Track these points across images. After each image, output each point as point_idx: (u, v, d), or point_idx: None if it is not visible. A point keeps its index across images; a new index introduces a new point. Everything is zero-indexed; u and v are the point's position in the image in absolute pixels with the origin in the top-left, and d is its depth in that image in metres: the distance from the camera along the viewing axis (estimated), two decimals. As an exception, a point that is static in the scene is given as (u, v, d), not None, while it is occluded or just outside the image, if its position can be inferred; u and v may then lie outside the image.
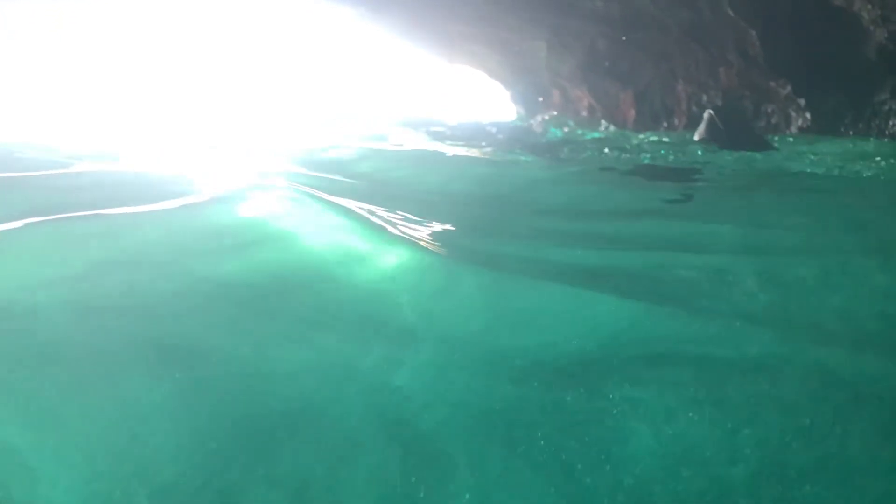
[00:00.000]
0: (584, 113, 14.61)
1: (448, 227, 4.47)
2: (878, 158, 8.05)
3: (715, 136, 9.58)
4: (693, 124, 11.61)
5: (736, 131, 9.59)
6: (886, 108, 9.80)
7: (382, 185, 5.98)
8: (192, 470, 1.83)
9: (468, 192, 6.21)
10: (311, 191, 4.92)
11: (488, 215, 5.19)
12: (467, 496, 1.79)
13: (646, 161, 9.01)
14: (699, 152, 9.17)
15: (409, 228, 4.19)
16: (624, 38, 12.73)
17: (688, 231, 4.86)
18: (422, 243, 3.78)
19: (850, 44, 9.73)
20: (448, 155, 8.90)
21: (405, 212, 4.79)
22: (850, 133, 10.13)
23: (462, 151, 9.59)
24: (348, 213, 4.32)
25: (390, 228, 3.98)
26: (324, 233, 3.75)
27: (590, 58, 13.74)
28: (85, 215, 3.76)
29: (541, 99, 15.48)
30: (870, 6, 9.26)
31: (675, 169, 8.43)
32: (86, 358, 2.29)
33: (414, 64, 18.79)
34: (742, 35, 11.01)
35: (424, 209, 4.94)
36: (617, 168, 8.34)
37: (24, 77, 16.34)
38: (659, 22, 12.07)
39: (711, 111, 9.88)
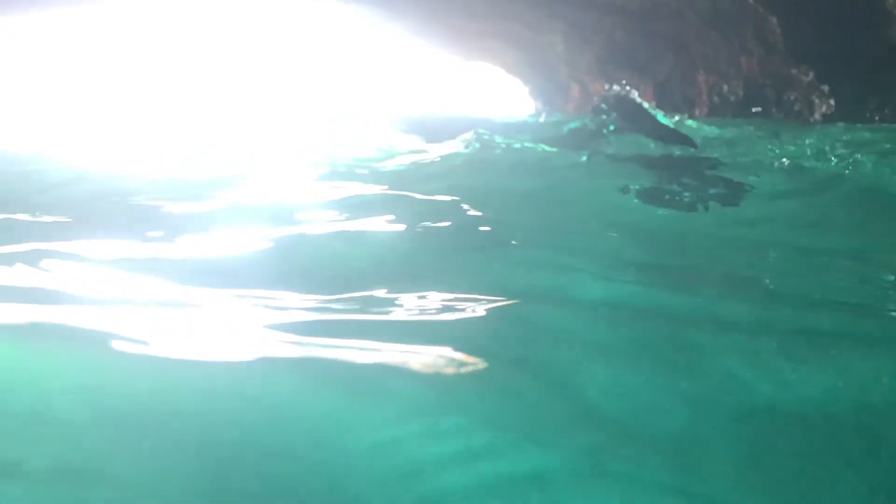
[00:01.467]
0: (604, 106, 14.51)
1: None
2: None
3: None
4: (714, 114, 11.51)
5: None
6: (913, 92, 9.64)
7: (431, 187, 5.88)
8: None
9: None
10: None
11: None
12: None
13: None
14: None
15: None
16: (642, 29, 12.63)
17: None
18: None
19: (874, 28, 9.56)
20: (478, 154, 8.73)
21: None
22: (876, 118, 9.96)
23: (488, 149, 9.41)
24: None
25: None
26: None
27: (608, 50, 13.64)
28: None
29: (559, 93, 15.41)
30: (893, -11, 9.10)
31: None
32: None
33: (430, 63, 18.80)
34: (762, 22, 10.87)
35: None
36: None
37: (24, 78, 16.51)
38: (677, 11, 11.95)
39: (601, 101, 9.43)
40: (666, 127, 8.97)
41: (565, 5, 13.15)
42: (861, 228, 4.87)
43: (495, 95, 18.42)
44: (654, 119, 9.29)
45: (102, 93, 17.24)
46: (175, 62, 20.24)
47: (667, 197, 6.19)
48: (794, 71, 10.83)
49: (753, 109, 10.97)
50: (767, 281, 3.58)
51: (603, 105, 9.32)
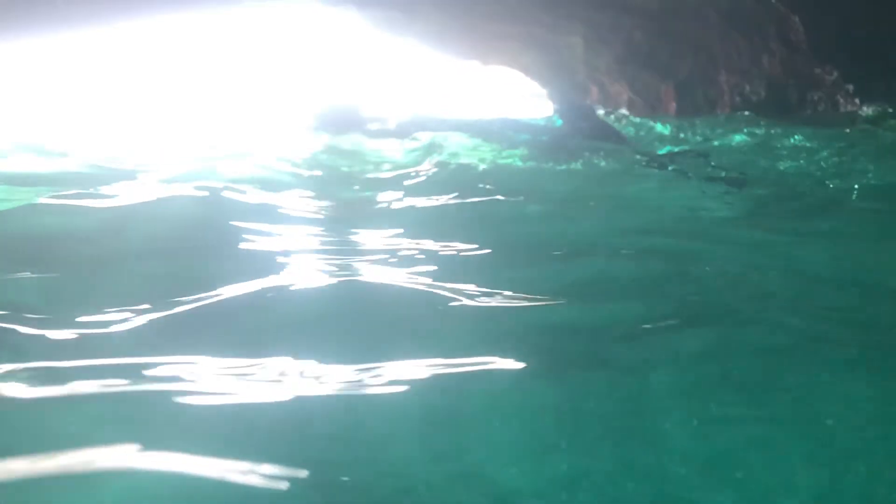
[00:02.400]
0: (624, 108, 14.38)
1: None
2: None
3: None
4: (736, 114, 11.37)
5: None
6: (941, 90, 9.44)
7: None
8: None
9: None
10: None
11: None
12: None
13: None
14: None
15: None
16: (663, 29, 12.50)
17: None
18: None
19: (900, 26, 9.39)
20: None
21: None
22: (903, 118, 9.78)
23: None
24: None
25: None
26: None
27: (627, 51, 13.52)
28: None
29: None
30: (920, -14, 8.93)
31: None
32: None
33: (448, 68, 18.74)
34: (785, 21, 10.72)
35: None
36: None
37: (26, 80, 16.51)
38: (697, 11, 11.82)
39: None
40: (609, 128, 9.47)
41: (584, 6, 13.06)
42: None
43: (514, 98, 18.32)
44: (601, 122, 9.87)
45: (96, 94, 17.11)
46: (176, 65, 20.24)
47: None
48: (817, 70, 10.67)
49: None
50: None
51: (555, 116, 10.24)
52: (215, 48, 20.85)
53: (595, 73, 14.87)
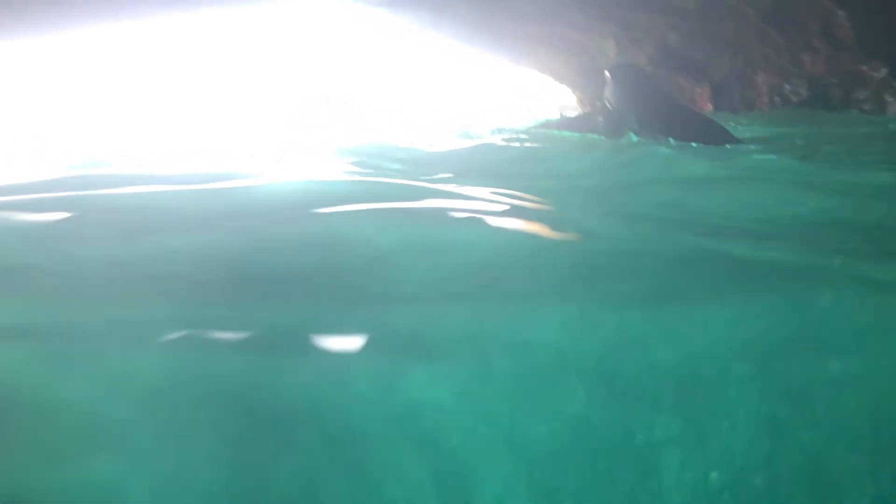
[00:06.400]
0: (656, 111, 13.95)
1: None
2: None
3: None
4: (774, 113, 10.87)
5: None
6: None
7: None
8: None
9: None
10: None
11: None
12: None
13: None
14: None
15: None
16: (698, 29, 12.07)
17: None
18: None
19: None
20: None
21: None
22: (956, 116, 9.22)
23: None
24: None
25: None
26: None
27: (661, 52, 13.11)
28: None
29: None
30: (977, -26, 8.43)
31: None
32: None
33: (475, 74, 18.54)
34: (828, 17, 10.25)
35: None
36: None
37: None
38: (736, 10, 11.37)
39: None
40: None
41: (617, 6, 12.68)
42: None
43: (543, 103, 18.01)
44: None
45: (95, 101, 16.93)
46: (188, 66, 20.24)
47: None
48: (864, 68, 10.15)
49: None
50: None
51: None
52: (250, 44, 20.97)
53: (627, 77, 14.47)
